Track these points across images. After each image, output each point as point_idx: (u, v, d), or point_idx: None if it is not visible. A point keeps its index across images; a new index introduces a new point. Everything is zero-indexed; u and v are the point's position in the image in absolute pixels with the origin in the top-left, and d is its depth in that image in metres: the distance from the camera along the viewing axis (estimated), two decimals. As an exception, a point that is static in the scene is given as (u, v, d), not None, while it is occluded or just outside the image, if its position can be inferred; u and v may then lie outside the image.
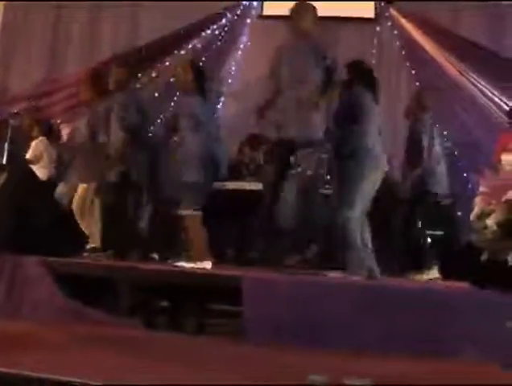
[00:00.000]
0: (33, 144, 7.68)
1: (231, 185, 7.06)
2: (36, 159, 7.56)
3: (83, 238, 5.99)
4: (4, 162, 8.32)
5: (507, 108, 7.45)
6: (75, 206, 6.04)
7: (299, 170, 5.04)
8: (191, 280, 4.59)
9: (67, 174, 6.64)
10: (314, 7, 5.43)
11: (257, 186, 6.87)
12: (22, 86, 9.57)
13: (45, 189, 7.01)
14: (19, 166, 7.66)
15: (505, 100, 8.10)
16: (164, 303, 4.92)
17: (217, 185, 6.86)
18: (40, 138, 7.70)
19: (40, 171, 7.52)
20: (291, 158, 5.07)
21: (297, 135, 5.04)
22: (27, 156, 7.60)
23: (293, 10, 5.42)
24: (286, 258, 5.15)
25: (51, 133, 7.99)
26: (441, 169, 6.07)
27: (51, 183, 7.20)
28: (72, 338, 3.85)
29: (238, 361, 3.46)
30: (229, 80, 9.42)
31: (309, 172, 5.02)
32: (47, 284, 4.55)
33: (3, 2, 10.28)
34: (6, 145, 8.39)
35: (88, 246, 5.95)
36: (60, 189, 6.46)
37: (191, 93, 5.56)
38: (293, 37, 5.43)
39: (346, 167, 4.98)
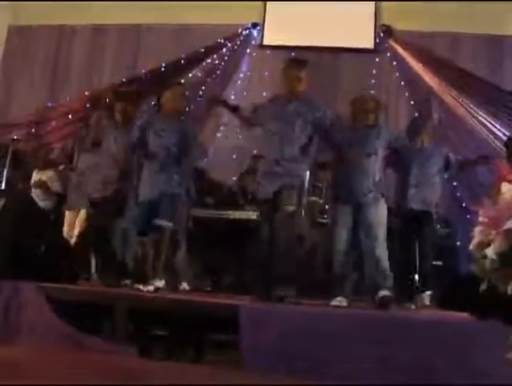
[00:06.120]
0: (54, 174, 7.62)
1: (232, 214, 7.11)
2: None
3: (81, 265, 5.97)
4: (3, 187, 8.29)
5: (505, 139, 7.47)
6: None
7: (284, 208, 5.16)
8: (188, 309, 4.57)
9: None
10: (306, 62, 5.51)
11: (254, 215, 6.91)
12: (24, 111, 9.61)
13: (45, 216, 7.02)
14: (18, 193, 7.64)
15: (504, 131, 8.13)
16: (161, 332, 4.89)
17: (217, 213, 6.91)
18: (61, 167, 7.67)
19: (45, 201, 7.48)
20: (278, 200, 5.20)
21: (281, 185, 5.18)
22: (55, 188, 7.51)
23: (288, 65, 5.48)
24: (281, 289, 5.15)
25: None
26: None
27: (51, 210, 7.21)
28: (66, 365, 3.80)
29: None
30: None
31: (291, 208, 5.13)
32: (44, 310, 4.52)
33: (7, 27, 10.37)
34: (6, 170, 8.38)
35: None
36: None
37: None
38: (282, 93, 5.47)
39: None
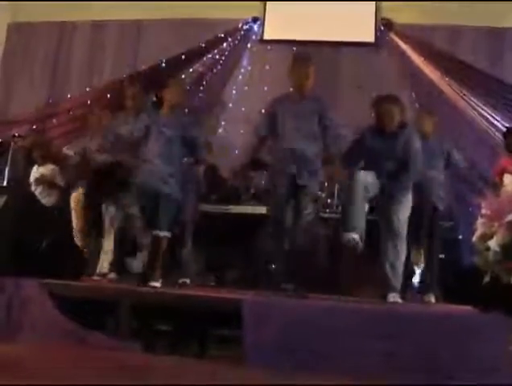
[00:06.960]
0: (56, 168, 7.60)
1: (234, 209, 7.13)
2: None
3: (84, 262, 5.98)
4: (4, 184, 8.29)
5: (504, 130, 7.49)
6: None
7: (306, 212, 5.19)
8: (191, 303, 4.57)
9: None
10: (310, 57, 5.52)
11: (260, 209, 6.90)
12: (24, 108, 9.61)
13: (48, 212, 7.02)
14: (20, 189, 7.64)
15: (505, 124, 8.13)
16: (165, 327, 4.90)
17: (221, 208, 6.90)
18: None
19: (48, 197, 7.46)
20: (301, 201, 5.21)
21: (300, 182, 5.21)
22: (61, 182, 7.51)
23: (295, 63, 5.43)
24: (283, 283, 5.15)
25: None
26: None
27: (55, 206, 7.21)
28: (70, 362, 3.80)
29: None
30: (230, 104, 9.44)
31: (313, 214, 5.22)
32: (47, 307, 4.51)
33: (7, 25, 10.37)
34: (7, 167, 8.37)
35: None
36: None
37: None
38: (293, 91, 5.46)
39: None
